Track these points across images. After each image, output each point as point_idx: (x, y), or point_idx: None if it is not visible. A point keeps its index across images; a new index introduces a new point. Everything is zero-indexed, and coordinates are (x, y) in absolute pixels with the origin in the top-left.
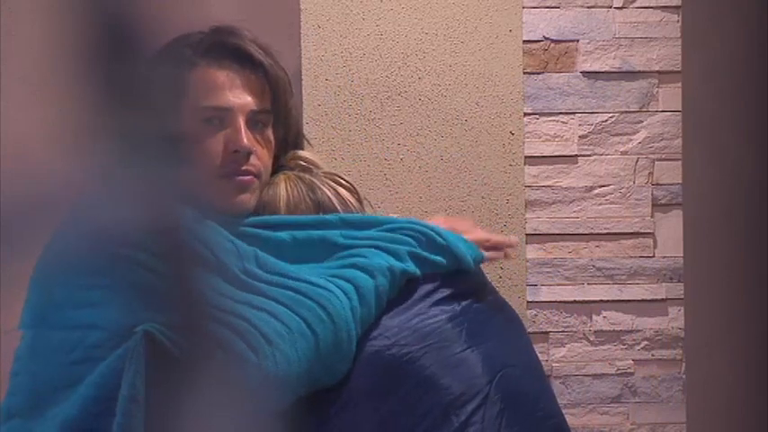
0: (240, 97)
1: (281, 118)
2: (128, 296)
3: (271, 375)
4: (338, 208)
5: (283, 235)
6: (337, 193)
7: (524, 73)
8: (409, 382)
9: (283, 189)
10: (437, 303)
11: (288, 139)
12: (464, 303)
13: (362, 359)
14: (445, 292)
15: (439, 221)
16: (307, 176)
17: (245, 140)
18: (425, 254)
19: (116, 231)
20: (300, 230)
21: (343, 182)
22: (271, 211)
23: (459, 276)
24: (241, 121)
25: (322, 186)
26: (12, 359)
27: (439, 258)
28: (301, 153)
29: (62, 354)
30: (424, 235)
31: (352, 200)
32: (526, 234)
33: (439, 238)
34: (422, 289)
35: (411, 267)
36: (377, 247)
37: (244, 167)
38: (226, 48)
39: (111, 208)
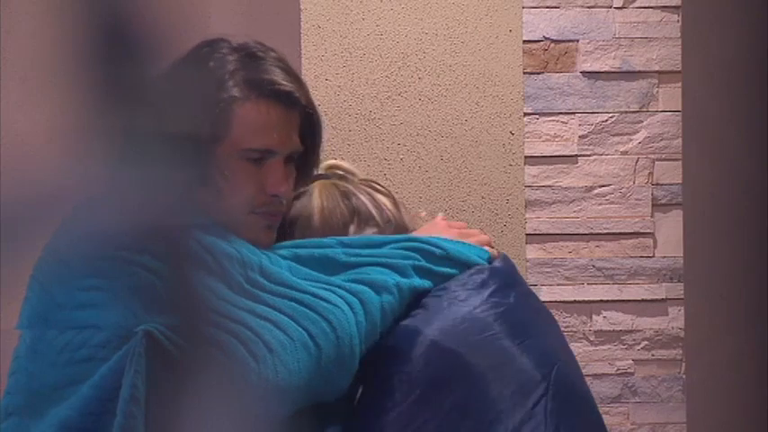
0: (284, 139)
1: (311, 155)
2: (128, 298)
3: (270, 384)
4: (374, 213)
5: (285, 252)
6: (373, 199)
7: (524, 73)
8: (473, 372)
9: (317, 197)
10: (492, 295)
11: (307, 166)
12: (514, 294)
13: (423, 351)
14: (496, 283)
15: (440, 224)
16: (342, 184)
17: (285, 187)
18: (430, 266)
19: (116, 233)
20: (302, 249)
21: (380, 188)
22: (305, 219)
23: (500, 270)
24: (281, 164)
25: (357, 193)
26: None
27: (446, 269)
28: (338, 162)
29: (60, 354)
30: (421, 251)
31: (389, 204)
32: (526, 234)
33: (438, 250)
34: (473, 280)
35: (417, 282)
36: (381, 264)
37: (275, 208)
38: (271, 84)
39: (112, 209)
